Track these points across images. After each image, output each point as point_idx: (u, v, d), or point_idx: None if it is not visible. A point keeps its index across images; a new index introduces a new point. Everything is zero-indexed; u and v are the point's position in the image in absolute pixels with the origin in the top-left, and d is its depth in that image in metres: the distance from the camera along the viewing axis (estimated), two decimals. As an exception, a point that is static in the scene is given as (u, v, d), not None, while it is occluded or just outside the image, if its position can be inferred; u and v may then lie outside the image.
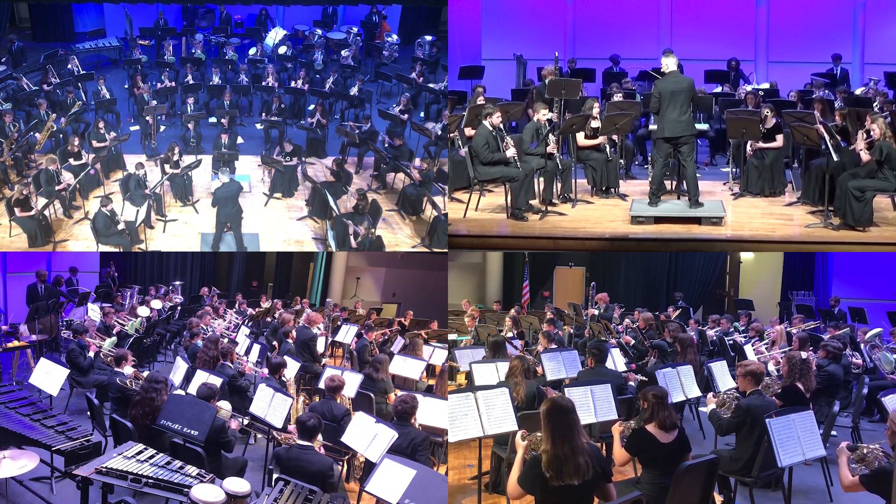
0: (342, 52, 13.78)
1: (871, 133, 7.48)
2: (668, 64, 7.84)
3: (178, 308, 12.69)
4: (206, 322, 10.35)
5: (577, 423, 3.91)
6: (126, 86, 12.45)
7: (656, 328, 10.10)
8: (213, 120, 11.75)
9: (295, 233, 9.62)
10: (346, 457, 5.82)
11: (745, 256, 15.42)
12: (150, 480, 4.36)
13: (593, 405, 5.75)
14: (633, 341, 9.23)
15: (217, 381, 6.60)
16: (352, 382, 6.91)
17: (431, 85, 12.51)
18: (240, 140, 11.27)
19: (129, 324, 10.20)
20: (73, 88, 11.62)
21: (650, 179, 8.26)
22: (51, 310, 10.10)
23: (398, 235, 9.70)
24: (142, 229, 9.01)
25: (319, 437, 5.18)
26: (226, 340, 8.59)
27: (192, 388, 6.57)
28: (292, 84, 12.65)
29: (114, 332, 9.60)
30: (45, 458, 5.44)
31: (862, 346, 9.14)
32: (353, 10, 14.73)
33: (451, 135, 9.10)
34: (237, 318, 12.57)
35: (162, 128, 11.44)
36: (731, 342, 9.94)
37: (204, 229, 9.47)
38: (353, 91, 12.18)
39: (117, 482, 4.36)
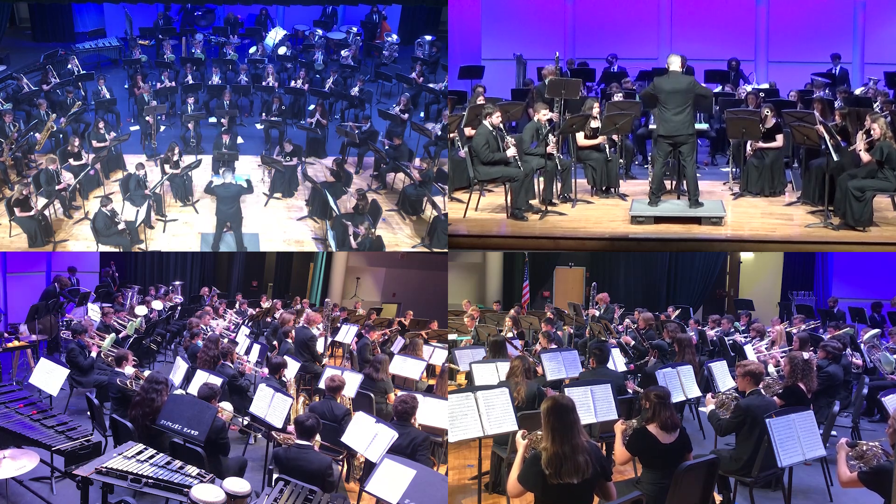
0: (342, 52, 13.79)
1: (871, 133, 7.47)
2: (672, 62, 7.82)
3: (178, 308, 12.68)
4: (206, 322, 10.35)
5: (577, 422, 3.93)
6: (126, 86, 12.46)
7: (656, 328, 10.09)
8: (213, 120, 11.75)
9: (295, 233, 9.62)
10: (343, 455, 5.82)
11: (745, 256, 15.42)
12: (150, 480, 4.35)
13: (593, 405, 5.75)
14: (633, 341, 9.23)
15: (217, 381, 6.60)
16: (352, 382, 6.91)
17: (431, 85, 12.51)
18: (240, 140, 11.27)
19: (128, 324, 10.20)
20: (73, 88, 11.62)
21: (650, 179, 8.26)
22: (51, 310, 10.10)
23: (398, 235, 9.70)
24: (142, 229, 9.01)
25: (317, 437, 5.18)
26: (226, 340, 8.59)
27: (193, 388, 6.57)
28: (292, 84, 12.65)
29: (114, 332, 9.59)
30: (45, 458, 5.44)
31: (862, 346, 9.13)
32: (353, 10, 14.75)
33: (451, 135, 9.10)
34: (237, 318, 12.56)
35: (162, 128, 11.44)
36: (731, 342, 9.94)
37: (204, 229, 9.48)
38: (353, 91, 12.18)
39: (117, 482, 4.35)
